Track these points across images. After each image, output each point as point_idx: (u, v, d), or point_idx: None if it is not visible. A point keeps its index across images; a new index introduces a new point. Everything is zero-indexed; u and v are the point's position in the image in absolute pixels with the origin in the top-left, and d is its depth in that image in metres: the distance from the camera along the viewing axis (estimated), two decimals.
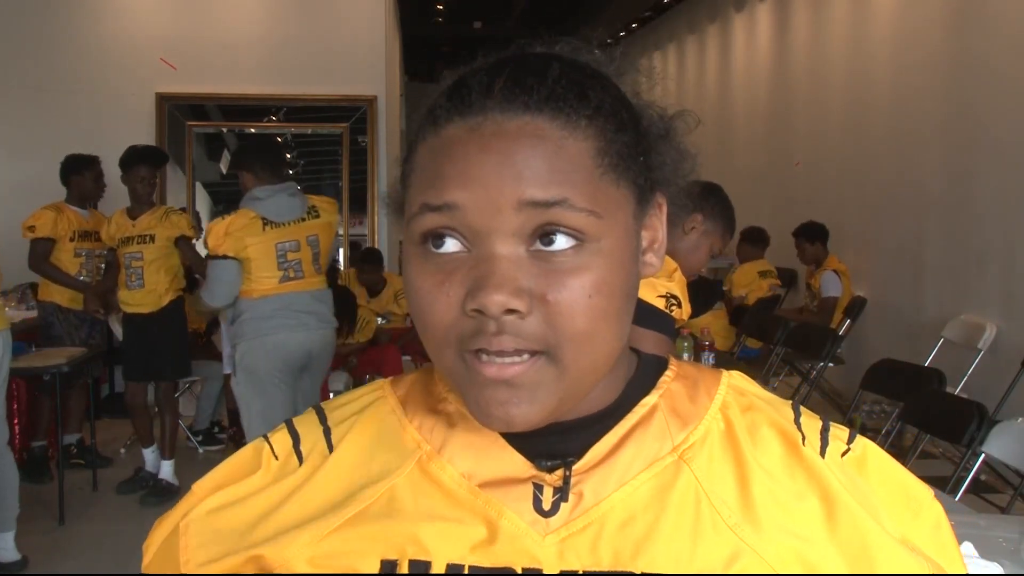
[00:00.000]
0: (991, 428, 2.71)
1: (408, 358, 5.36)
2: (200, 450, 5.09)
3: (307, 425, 0.66)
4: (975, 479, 2.92)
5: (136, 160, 4.21)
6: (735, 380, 0.66)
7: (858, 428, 1.12)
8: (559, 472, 0.59)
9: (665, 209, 0.63)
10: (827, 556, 0.58)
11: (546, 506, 0.59)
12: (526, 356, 0.54)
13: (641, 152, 0.59)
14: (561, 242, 0.54)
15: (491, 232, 0.54)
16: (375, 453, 0.63)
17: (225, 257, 3.29)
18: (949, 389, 3.79)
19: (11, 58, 5.95)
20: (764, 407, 0.64)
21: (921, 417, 3.11)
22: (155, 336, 4.24)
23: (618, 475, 0.60)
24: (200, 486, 0.65)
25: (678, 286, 1.90)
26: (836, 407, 5.46)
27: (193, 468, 4.80)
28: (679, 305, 1.87)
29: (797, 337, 4.87)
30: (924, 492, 0.63)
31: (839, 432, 0.64)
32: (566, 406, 0.57)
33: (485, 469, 0.60)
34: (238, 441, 5.02)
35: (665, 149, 0.63)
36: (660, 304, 1.81)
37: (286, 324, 3.27)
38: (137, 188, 4.22)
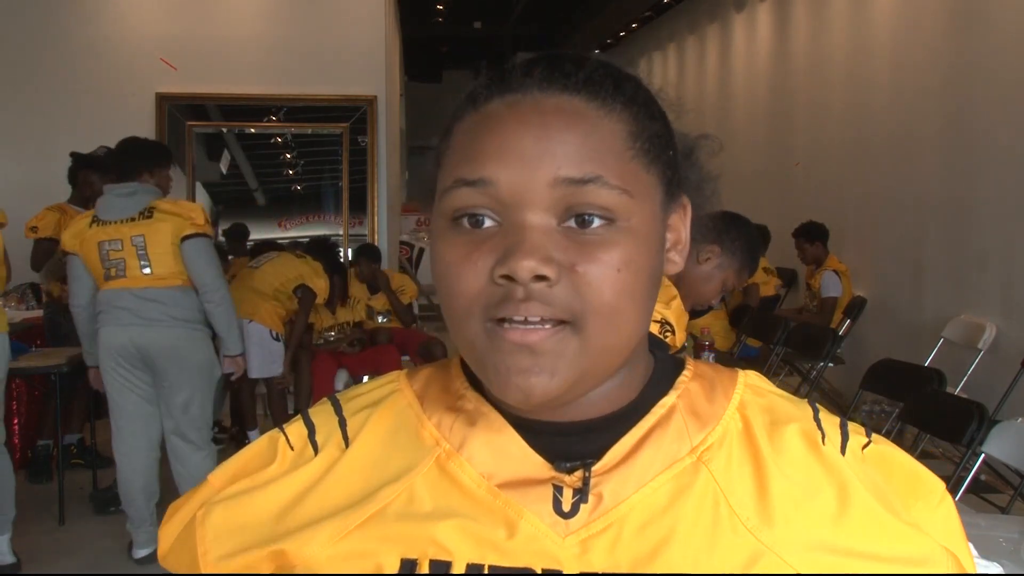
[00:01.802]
0: (991, 428, 2.71)
1: (407, 358, 5.37)
2: None
3: (322, 415, 0.66)
4: (975, 479, 2.92)
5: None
6: (751, 379, 0.66)
7: None
8: (578, 473, 0.59)
9: (690, 212, 0.64)
10: (838, 554, 0.58)
11: (566, 507, 0.59)
12: (550, 325, 0.54)
13: (671, 146, 0.61)
14: (593, 223, 0.55)
15: (524, 205, 0.55)
16: (393, 449, 0.63)
17: (69, 253, 3.39)
18: (949, 389, 3.79)
19: (11, 58, 5.95)
20: (782, 405, 0.64)
21: (921, 417, 3.11)
22: None
23: (637, 477, 0.59)
24: (216, 476, 0.66)
25: (674, 313, 1.89)
26: (836, 407, 5.45)
27: None
28: (673, 332, 1.86)
29: (797, 337, 4.87)
30: (938, 486, 0.64)
31: (857, 427, 0.64)
32: (587, 386, 0.57)
33: (504, 469, 0.60)
34: (239, 441, 5.03)
35: (688, 167, 0.64)
36: (654, 329, 1.80)
37: (107, 319, 3.31)
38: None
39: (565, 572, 0.57)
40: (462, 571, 0.57)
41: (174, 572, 0.65)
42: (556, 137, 0.55)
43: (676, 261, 0.63)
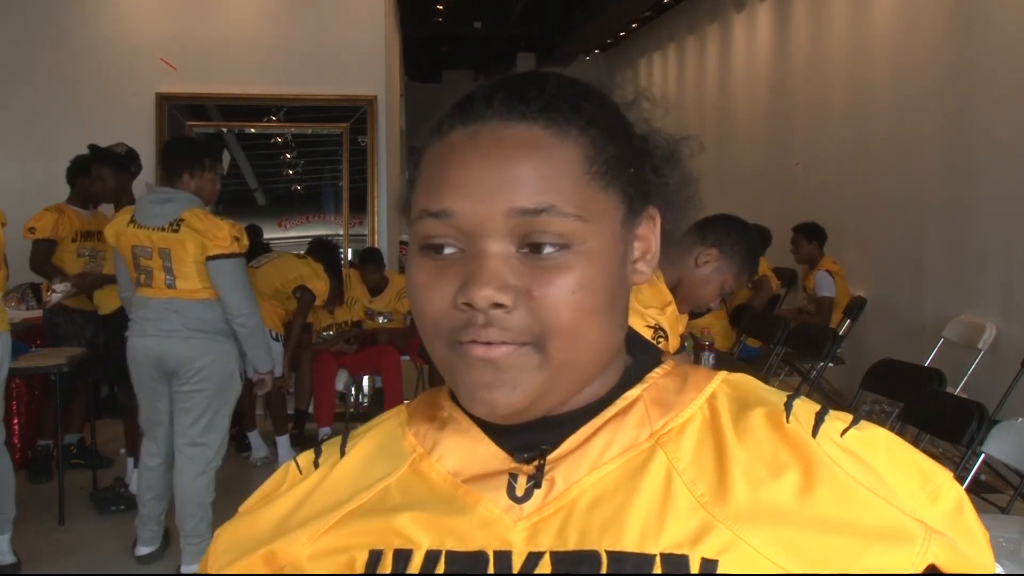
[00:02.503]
0: (991, 428, 2.72)
1: (407, 358, 5.37)
2: None
3: (332, 444, 0.71)
4: (975, 479, 2.92)
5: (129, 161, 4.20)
6: (733, 377, 0.66)
7: None
8: (536, 462, 0.62)
9: (659, 222, 0.66)
10: (802, 527, 0.57)
11: (519, 493, 0.61)
12: (511, 345, 0.58)
13: (632, 164, 0.63)
14: (548, 249, 0.58)
15: (483, 234, 0.58)
16: (378, 458, 0.67)
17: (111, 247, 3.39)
18: (949, 389, 3.79)
19: (11, 58, 5.95)
20: (757, 395, 0.64)
21: (921, 417, 3.11)
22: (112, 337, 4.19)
23: (590, 461, 0.61)
24: (245, 505, 0.71)
25: (668, 319, 1.88)
26: (836, 407, 5.44)
27: None
28: (666, 338, 1.86)
29: (797, 337, 4.87)
30: (942, 475, 0.61)
31: (840, 415, 0.62)
32: (551, 399, 0.60)
33: (470, 466, 0.64)
34: (239, 441, 5.03)
35: (670, 171, 0.67)
36: (647, 334, 1.79)
37: (133, 328, 3.30)
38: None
39: (515, 553, 0.59)
40: (421, 556, 0.60)
41: None
42: (512, 169, 0.57)
43: (644, 271, 0.65)
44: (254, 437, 4.93)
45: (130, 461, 4.20)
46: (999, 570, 1.52)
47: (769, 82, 8.00)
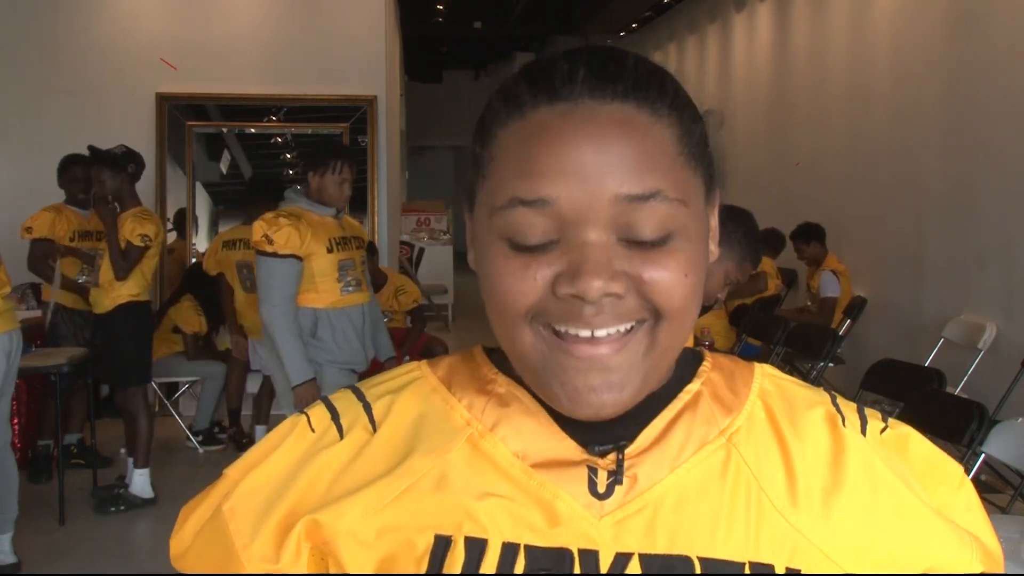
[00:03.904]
0: (991, 428, 2.72)
1: (408, 359, 5.36)
2: (200, 450, 5.09)
3: (344, 401, 0.65)
4: (975, 479, 2.92)
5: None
6: (768, 370, 0.67)
7: None
8: (612, 456, 0.60)
9: (719, 201, 0.64)
10: (873, 532, 0.59)
11: (601, 489, 0.59)
12: (622, 329, 0.55)
13: (708, 143, 0.60)
14: (656, 234, 0.55)
15: (586, 223, 0.54)
16: (422, 430, 0.62)
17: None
18: (949, 389, 3.80)
19: (11, 58, 5.95)
20: (800, 392, 0.65)
21: (921, 417, 3.11)
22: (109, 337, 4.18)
23: (670, 458, 0.60)
24: (233, 469, 0.64)
25: None
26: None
27: (194, 469, 4.81)
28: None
29: (797, 337, 4.87)
30: (958, 471, 0.65)
31: (873, 412, 0.65)
32: (648, 387, 0.58)
33: (538, 451, 0.60)
34: (238, 441, 5.03)
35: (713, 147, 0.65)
36: None
37: None
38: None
39: (601, 552, 0.57)
40: (498, 549, 0.57)
41: (193, 572, 0.63)
42: (614, 150, 0.54)
43: (714, 250, 0.63)
44: (262, 432, 4.92)
45: (130, 461, 4.21)
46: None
47: (769, 82, 8.00)
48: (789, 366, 5.40)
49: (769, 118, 7.98)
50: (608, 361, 0.55)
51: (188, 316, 5.14)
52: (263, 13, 6.26)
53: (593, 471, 0.59)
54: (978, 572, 0.61)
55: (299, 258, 3.14)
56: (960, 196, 5.00)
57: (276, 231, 3.11)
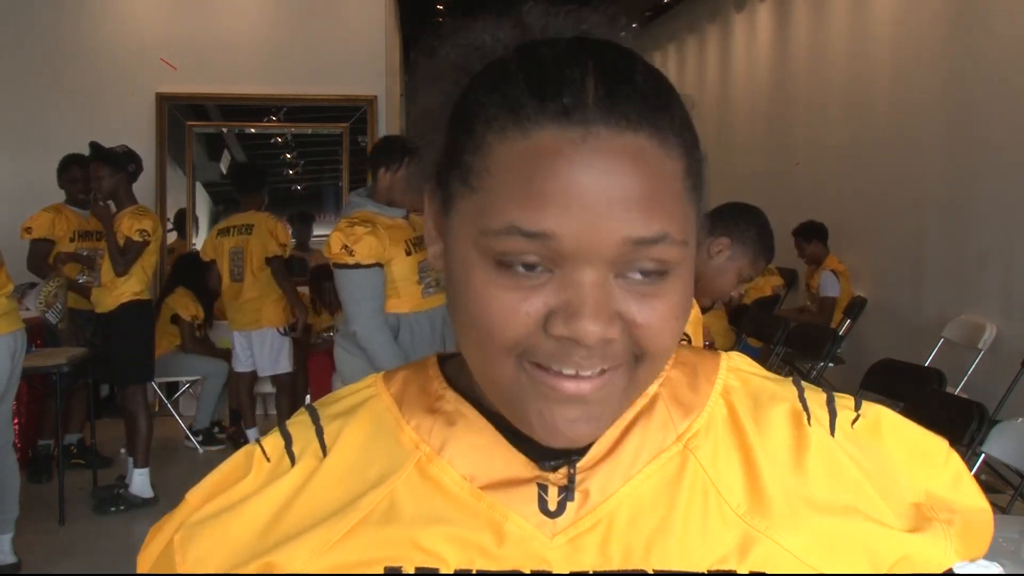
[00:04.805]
0: (991, 428, 2.72)
1: None
2: (200, 450, 5.10)
3: (299, 426, 0.63)
4: (975, 479, 2.91)
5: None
6: (735, 362, 0.64)
7: None
8: (563, 471, 0.58)
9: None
10: (834, 526, 0.58)
11: (552, 507, 0.57)
12: (606, 367, 0.53)
13: (704, 168, 0.57)
14: (650, 276, 0.52)
15: (587, 261, 0.50)
16: (371, 455, 0.60)
17: None
18: (949, 389, 3.80)
19: (11, 58, 5.95)
20: (766, 387, 0.63)
21: (921, 417, 3.09)
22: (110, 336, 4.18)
23: (624, 469, 0.58)
24: (193, 494, 0.63)
25: (691, 325, 1.85)
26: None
27: (194, 469, 4.81)
28: (689, 341, 1.84)
29: (797, 337, 4.87)
30: (941, 446, 0.64)
31: (845, 401, 0.63)
32: (618, 417, 0.57)
33: (487, 471, 0.58)
34: (237, 441, 5.03)
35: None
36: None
37: None
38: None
39: (555, 572, 0.56)
40: None
41: None
42: (626, 186, 0.50)
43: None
44: (253, 435, 4.93)
45: (130, 461, 4.21)
46: (999, 570, 1.51)
47: (769, 82, 8.00)
48: (789, 366, 5.41)
49: (769, 118, 7.98)
50: (589, 396, 0.53)
51: (185, 302, 5.16)
52: (263, 13, 6.26)
53: (543, 488, 0.57)
54: (952, 563, 0.60)
55: (382, 265, 2.99)
56: (960, 196, 5.00)
57: (356, 241, 2.94)
